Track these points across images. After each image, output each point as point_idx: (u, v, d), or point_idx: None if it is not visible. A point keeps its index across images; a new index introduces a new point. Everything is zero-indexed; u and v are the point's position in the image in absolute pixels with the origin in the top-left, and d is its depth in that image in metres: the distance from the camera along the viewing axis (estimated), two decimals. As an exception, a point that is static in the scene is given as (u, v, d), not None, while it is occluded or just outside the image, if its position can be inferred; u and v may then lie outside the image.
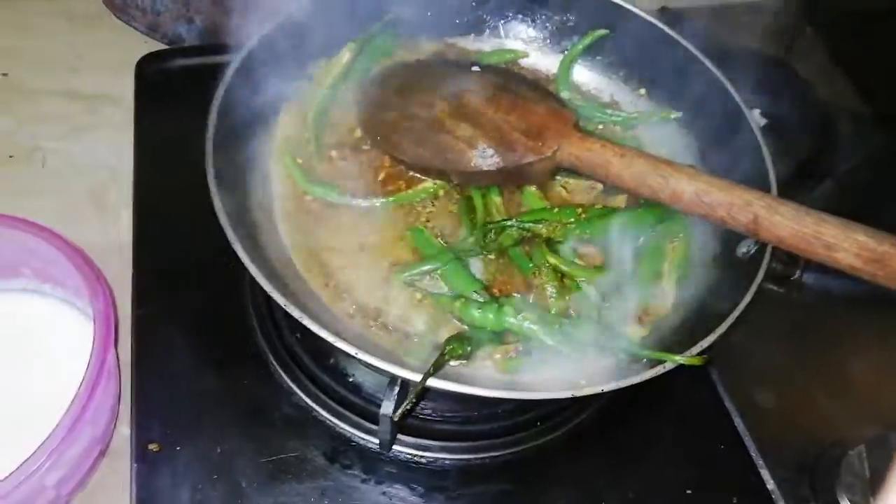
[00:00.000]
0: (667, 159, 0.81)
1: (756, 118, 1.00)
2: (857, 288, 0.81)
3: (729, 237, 0.84)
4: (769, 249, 0.78)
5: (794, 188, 0.88)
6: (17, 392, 0.83)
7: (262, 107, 0.93)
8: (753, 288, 0.74)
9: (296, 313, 0.67)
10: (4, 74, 1.18)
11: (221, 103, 0.82)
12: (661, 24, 0.99)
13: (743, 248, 0.82)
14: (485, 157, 0.84)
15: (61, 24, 1.26)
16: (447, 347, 0.71)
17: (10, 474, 0.66)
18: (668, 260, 0.85)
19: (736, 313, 0.73)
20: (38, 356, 0.86)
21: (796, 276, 0.96)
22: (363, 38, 0.95)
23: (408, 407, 0.68)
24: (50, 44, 1.23)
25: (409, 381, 0.68)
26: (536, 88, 0.91)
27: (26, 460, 0.66)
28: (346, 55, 0.92)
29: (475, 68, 0.92)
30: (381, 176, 0.91)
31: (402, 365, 0.68)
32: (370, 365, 0.67)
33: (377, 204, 0.87)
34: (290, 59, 0.93)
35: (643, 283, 0.83)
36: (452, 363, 0.74)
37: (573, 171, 0.86)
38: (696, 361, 0.70)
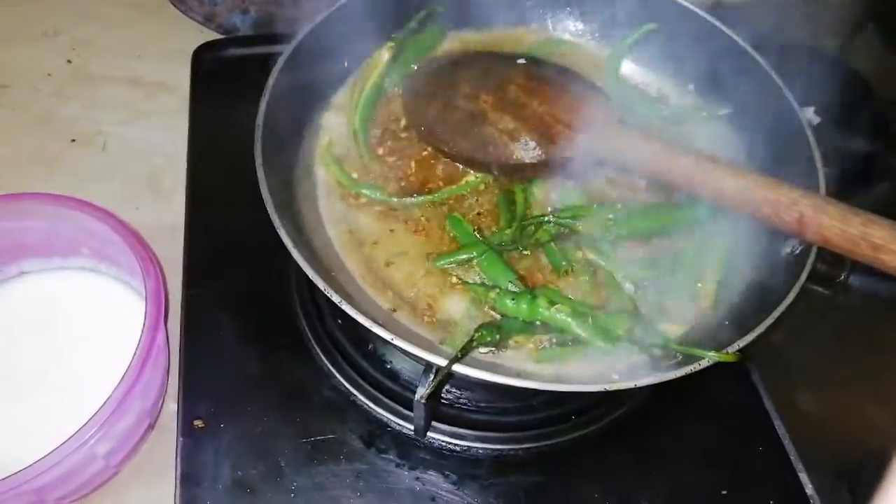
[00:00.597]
0: (712, 155, 0.80)
1: (809, 116, 0.98)
2: None
3: (774, 237, 0.83)
4: (814, 250, 0.76)
5: (847, 190, 0.86)
6: (72, 365, 0.88)
7: (311, 99, 0.95)
8: (797, 288, 0.73)
9: (335, 297, 0.69)
10: (69, 61, 1.23)
11: (271, 94, 0.84)
12: (711, 18, 0.97)
13: (788, 248, 0.81)
14: (527, 150, 0.84)
15: (123, 14, 1.31)
16: (476, 334, 0.72)
17: (63, 443, 0.69)
18: (710, 257, 0.84)
19: (777, 313, 0.72)
20: (93, 332, 0.90)
21: (842, 277, 0.93)
22: (405, 33, 0.96)
23: (432, 389, 0.69)
24: (112, 32, 1.28)
25: (440, 368, 0.69)
26: (581, 82, 0.90)
27: (78, 430, 0.70)
28: (387, 51, 0.93)
29: (520, 61, 0.92)
30: (425, 171, 0.92)
31: (438, 353, 0.69)
32: (405, 351, 0.68)
33: (420, 200, 0.88)
34: (339, 51, 0.95)
35: (683, 280, 0.82)
36: (482, 350, 0.75)
37: (616, 166, 0.85)
38: (729, 358, 0.69)
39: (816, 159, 0.86)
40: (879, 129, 1.16)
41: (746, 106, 0.98)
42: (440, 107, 0.90)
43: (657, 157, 0.80)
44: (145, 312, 0.77)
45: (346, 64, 0.96)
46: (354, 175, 0.90)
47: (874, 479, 0.83)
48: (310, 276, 0.70)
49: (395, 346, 0.68)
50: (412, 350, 0.68)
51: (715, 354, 0.69)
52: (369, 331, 0.68)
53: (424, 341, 0.79)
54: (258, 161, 0.77)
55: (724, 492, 0.84)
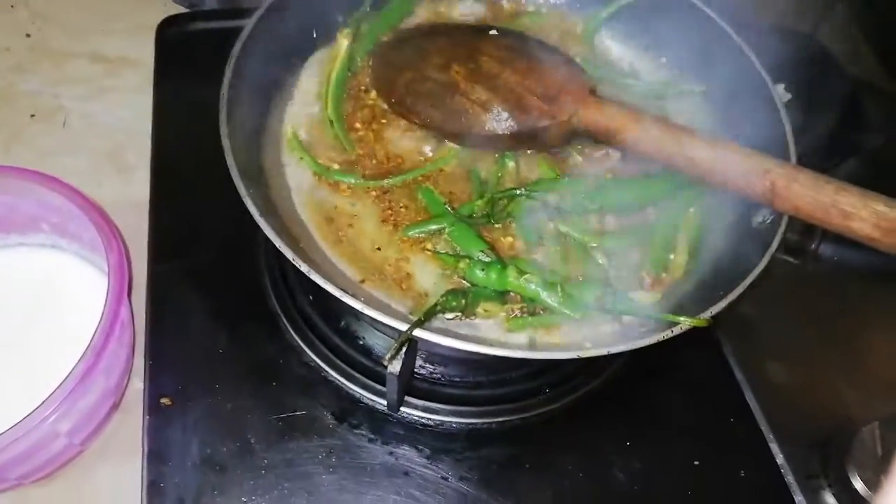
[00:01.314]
0: (684, 126, 0.80)
1: (780, 93, 0.98)
2: (874, 260, 0.80)
3: (745, 207, 0.83)
4: (785, 219, 0.77)
5: (817, 166, 0.86)
6: (33, 343, 0.85)
7: (279, 69, 0.93)
8: (767, 256, 0.73)
9: (303, 267, 0.67)
10: (28, 35, 1.19)
11: (236, 62, 0.82)
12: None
13: (759, 218, 0.81)
14: (499, 121, 0.83)
15: (85, -13, 1.27)
16: (441, 299, 0.72)
17: (23, 419, 0.67)
18: (681, 228, 0.84)
19: (748, 281, 0.72)
20: (54, 309, 0.88)
21: (812, 247, 0.94)
22: (360, 14, 0.95)
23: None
24: (72, 6, 1.24)
25: (416, 339, 0.68)
26: (554, 53, 0.90)
27: (38, 406, 0.68)
28: (345, 38, 0.92)
29: (492, 32, 0.91)
30: (399, 144, 0.90)
31: (406, 321, 0.67)
32: (372, 319, 0.67)
33: (396, 180, 0.87)
34: (308, 21, 0.93)
35: (655, 250, 0.82)
36: (448, 316, 0.74)
37: (589, 137, 0.85)
38: (701, 323, 0.69)
39: (788, 135, 0.86)
40: (849, 107, 1.17)
41: (720, 81, 0.97)
42: (410, 78, 0.88)
43: (629, 127, 0.80)
44: (107, 287, 0.75)
45: (314, 34, 0.94)
46: (326, 158, 0.88)
47: (843, 449, 0.84)
48: (277, 246, 0.68)
49: (363, 315, 0.67)
50: (377, 316, 0.66)
51: (687, 319, 0.69)
52: (340, 305, 0.66)
53: (394, 311, 0.77)
54: (223, 131, 0.75)
55: (697, 462, 0.85)
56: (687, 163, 0.76)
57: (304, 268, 0.67)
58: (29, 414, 0.67)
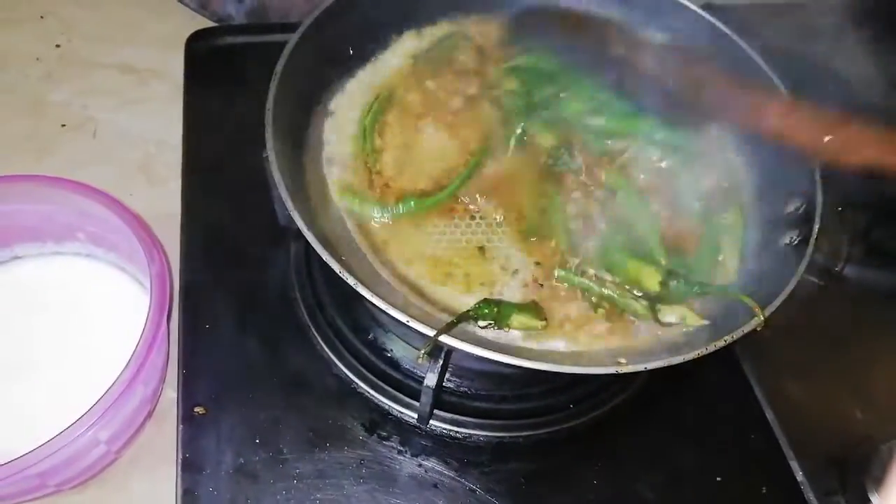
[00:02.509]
0: None
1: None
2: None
3: (772, 227, 0.85)
4: (813, 240, 0.78)
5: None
6: (67, 352, 0.87)
7: (318, 86, 0.93)
8: (798, 274, 0.75)
9: (350, 280, 0.68)
10: (58, 46, 1.21)
11: (281, 76, 0.82)
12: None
13: (786, 239, 0.83)
14: None
15: (115, -1, 1.29)
16: (474, 306, 0.73)
17: (68, 427, 0.69)
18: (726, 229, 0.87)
19: (780, 299, 0.73)
20: (89, 318, 0.89)
21: (837, 269, 0.96)
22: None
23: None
24: (102, 17, 1.26)
25: (451, 349, 0.69)
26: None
27: (84, 415, 0.69)
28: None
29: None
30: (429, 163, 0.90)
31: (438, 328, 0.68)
32: (416, 331, 0.67)
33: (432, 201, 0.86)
34: (350, 37, 0.94)
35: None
36: (481, 324, 0.75)
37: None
38: (760, 320, 0.73)
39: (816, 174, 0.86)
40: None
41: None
42: None
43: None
44: (150, 297, 0.76)
45: (350, 52, 0.96)
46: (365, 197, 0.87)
47: (862, 467, 0.86)
48: (325, 260, 0.69)
49: (406, 326, 0.67)
50: (422, 329, 0.67)
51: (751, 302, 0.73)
52: (368, 319, 0.67)
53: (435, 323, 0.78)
54: (269, 145, 0.76)
55: (719, 478, 0.86)
56: None
57: (350, 280, 0.68)
58: (74, 422, 0.69)
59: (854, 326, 0.98)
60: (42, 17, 1.24)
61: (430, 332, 0.66)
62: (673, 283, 0.79)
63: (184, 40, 1.18)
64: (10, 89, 1.14)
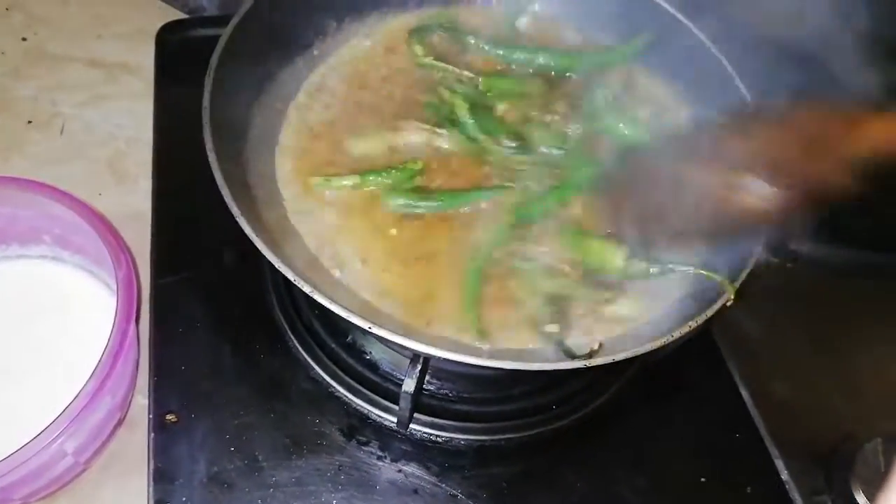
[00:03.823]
0: None
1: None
2: (851, 258, 0.79)
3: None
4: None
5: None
6: (33, 358, 0.84)
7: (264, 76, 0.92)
8: (755, 257, 0.74)
9: (306, 288, 0.66)
10: (24, 39, 1.17)
11: (216, 71, 0.81)
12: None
13: None
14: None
15: (82, -9, 1.25)
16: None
17: (32, 440, 0.66)
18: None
19: (745, 273, 0.73)
20: (55, 324, 0.86)
21: (795, 246, 0.94)
22: None
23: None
24: (70, 10, 1.22)
25: (430, 357, 0.67)
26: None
27: (48, 427, 0.67)
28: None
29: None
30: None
31: (421, 339, 0.66)
32: (388, 340, 0.66)
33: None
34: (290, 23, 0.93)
35: None
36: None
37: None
38: (731, 290, 0.71)
39: None
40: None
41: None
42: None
43: None
44: (117, 303, 0.74)
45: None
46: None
47: (847, 465, 0.85)
48: (277, 267, 0.67)
49: (375, 335, 0.66)
50: (395, 338, 0.65)
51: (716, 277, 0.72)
52: (346, 321, 0.65)
53: (406, 328, 0.77)
54: (208, 146, 0.74)
55: (703, 479, 0.85)
56: None
57: (306, 288, 0.66)
58: (37, 435, 0.66)
59: (832, 317, 0.97)
60: (7, 9, 1.21)
61: (408, 343, 0.65)
62: (636, 261, 0.77)
63: (154, 33, 1.14)
64: (-27, 85, 1.10)
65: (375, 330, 0.65)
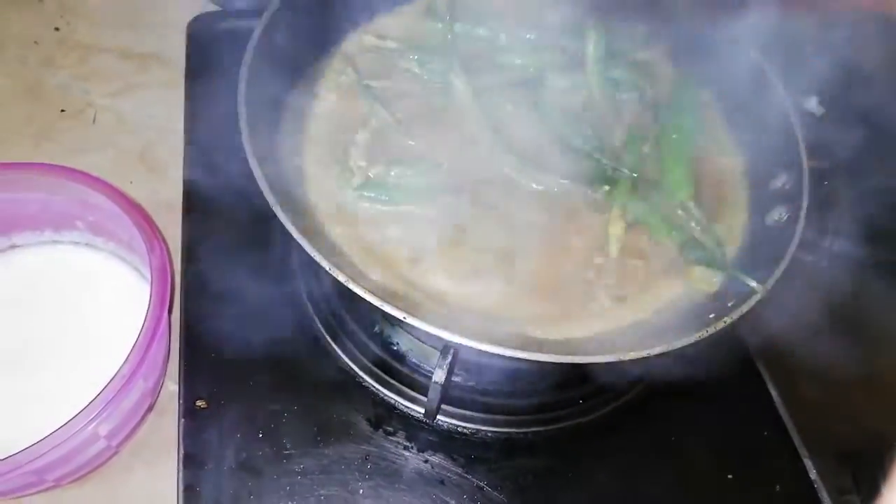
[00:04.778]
0: None
1: (814, 107, 0.97)
2: (886, 256, 0.78)
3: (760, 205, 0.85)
4: (803, 214, 0.76)
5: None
6: (64, 343, 0.85)
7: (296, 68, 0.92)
8: (791, 250, 0.74)
9: (341, 277, 0.66)
10: (57, 29, 1.18)
11: (251, 65, 0.83)
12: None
13: (774, 216, 0.81)
14: None
15: (116, -18, 1.26)
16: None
17: (67, 422, 0.67)
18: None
19: (777, 274, 0.73)
20: (87, 310, 0.87)
21: (827, 244, 0.93)
22: None
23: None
24: (104, 1, 1.23)
25: (460, 346, 0.67)
26: None
27: (83, 409, 0.67)
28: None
29: None
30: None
31: (454, 330, 0.66)
32: (420, 331, 0.66)
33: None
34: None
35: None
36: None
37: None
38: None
39: (801, 145, 0.84)
40: (877, 125, 1.16)
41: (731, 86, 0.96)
42: None
43: None
44: (151, 289, 0.74)
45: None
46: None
47: (876, 465, 0.84)
48: (311, 254, 0.67)
49: (407, 323, 0.66)
50: (427, 328, 0.66)
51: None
52: (375, 311, 0.65)
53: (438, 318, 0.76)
54: (244, 136, 0.75)
55: (730, 476, 0.85)
56: None
57: (341, 277, 0.66)
58: (73, 417, 0.67)
59: (861, 314, 0.96)
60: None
61: (438, 332, 0.65)
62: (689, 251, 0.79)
63: (185, 24, 1.16)
64: (8, 74, 1.11)
65: (410, 320, 0.65)
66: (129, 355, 0.70)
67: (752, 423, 0.89)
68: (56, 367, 0.83)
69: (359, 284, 0.67)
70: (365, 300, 0.66)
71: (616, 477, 0.83)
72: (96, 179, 0.81)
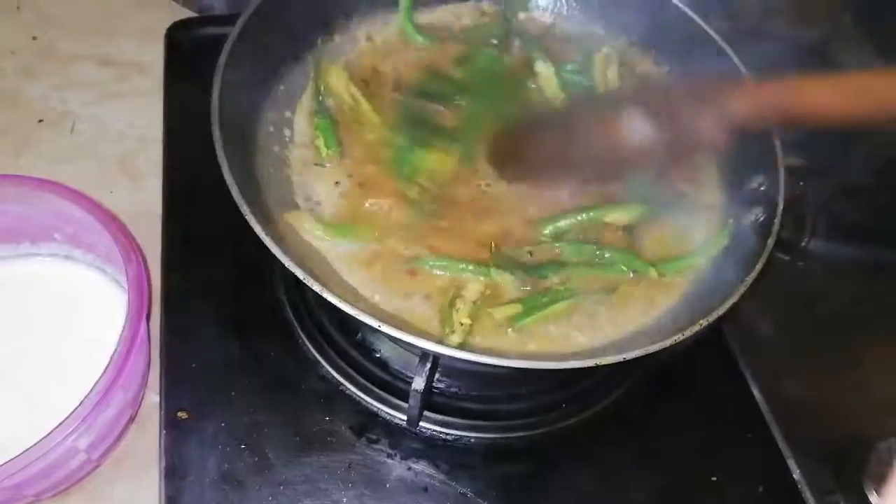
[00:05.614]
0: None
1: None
2: (862, 255, 0.79)
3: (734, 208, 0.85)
4: (779, 215, 0.76)
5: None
6: (44, 356, 0.84)
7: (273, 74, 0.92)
8: (766, 253, 0.73)
9: (316, 287, 0.66)
10: (34, 38, 1.17)
11: (225, 72, 0.82)
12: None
13: (751, 217, 0.81)
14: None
15: (93, -10, 1.25)
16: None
17: (45, 437, 0.66)
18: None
19: (753, 276, 0.72)
20: (66, 321, 0.87)
21: (803, 244, 0.93)
22: None
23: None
24: (79, 9, 1.22)
25: (439, 355, 0.67)
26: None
27: (61, 423, 0.67)
28: None
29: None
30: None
31: (430, 339, 0.66)
32: (396, 339, 0.66)
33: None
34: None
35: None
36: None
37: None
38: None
39: (777, 150, 0.83)
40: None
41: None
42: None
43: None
44: (128, 301, 0.74)
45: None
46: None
47: (859, 465, 0.85)
48: (287, 266, 0.67)
49: (385, 334, 0.66)
50: (404, 337, 0.66)
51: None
52: (357, 319, 0.65)
53: (415, 327, 0.77)
54: (217, 145, 0.75)
55: (714, 478, 0.85)
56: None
57: (315, 286, 0.67)
58: (51, 431, 0.66)
59: (843, 315, 0.96)
60: (18, 8, 1.21)
61: (420, 342, 0.65)
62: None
63: (164, 32, 1.15)
64: (-16, 84, 1.11)
65: (385, 329, 0.65)
66: (106, 368, 0.69)
67: (736, 425, 0.89)
68: (36, 380, 0.82)
69: (333, 293, 0.66)
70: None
71: (600, 480, 0.83)
72: (73, 191, 0.81)
